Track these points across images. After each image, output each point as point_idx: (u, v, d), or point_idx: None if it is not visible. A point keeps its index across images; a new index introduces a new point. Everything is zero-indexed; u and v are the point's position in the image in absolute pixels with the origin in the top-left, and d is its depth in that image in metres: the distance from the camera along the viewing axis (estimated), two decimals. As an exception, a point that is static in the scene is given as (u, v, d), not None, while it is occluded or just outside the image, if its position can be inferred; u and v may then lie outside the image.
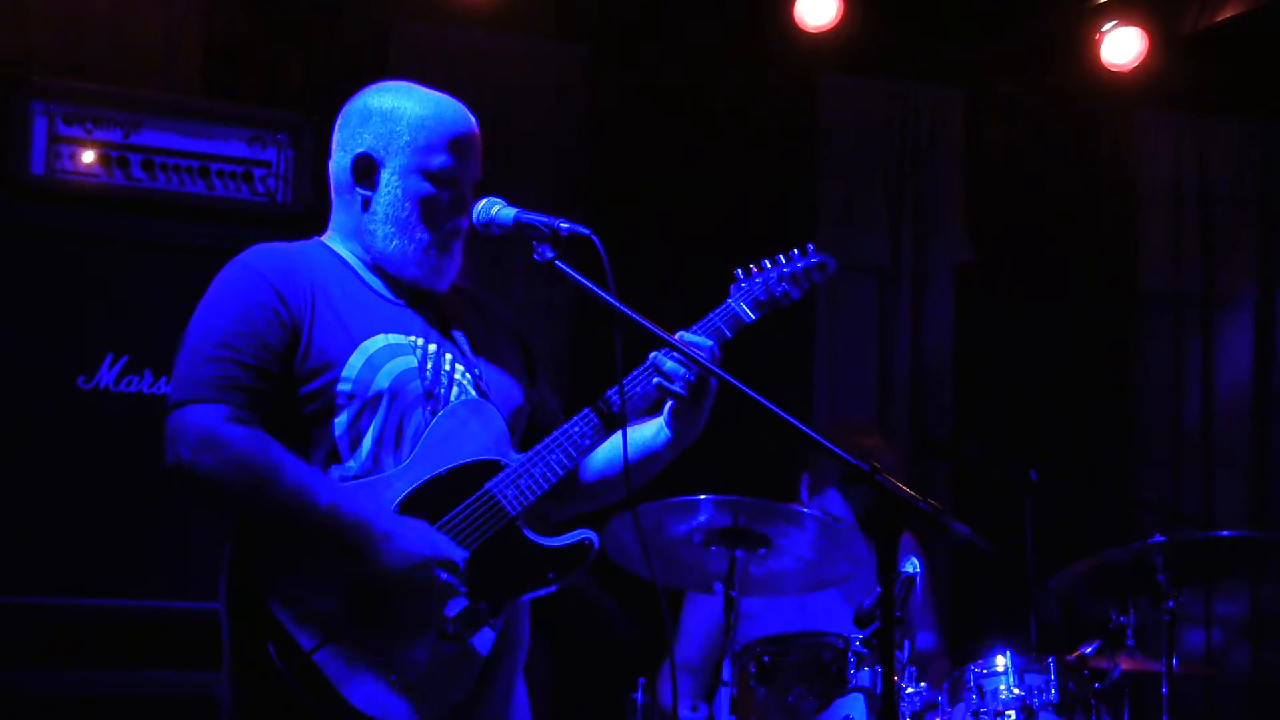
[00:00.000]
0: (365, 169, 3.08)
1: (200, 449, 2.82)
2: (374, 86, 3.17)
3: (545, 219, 3.02)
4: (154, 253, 4.51)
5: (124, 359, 4.46)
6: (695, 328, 3.23)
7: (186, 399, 2.88)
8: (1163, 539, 4.46)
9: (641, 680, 4.37)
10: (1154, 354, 6.88)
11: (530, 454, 3.06)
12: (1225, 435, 6.89)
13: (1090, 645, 4.48)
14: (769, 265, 3.42)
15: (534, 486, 3.03)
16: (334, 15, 5.82)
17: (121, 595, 4.38)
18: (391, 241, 3.07)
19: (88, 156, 4.56)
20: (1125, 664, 4.50)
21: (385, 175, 3.07)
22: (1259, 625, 6.72)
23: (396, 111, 3.08)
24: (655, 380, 3.13)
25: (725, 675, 4.10)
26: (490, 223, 3.07)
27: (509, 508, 3.00)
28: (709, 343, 3.17)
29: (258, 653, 2.84)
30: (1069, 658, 4.42)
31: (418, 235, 3.06)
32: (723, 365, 3.06)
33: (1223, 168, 6.93)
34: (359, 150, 3.08)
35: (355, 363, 2.96)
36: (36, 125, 4.50)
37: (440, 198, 3.07)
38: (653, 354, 3.14)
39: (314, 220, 3.30)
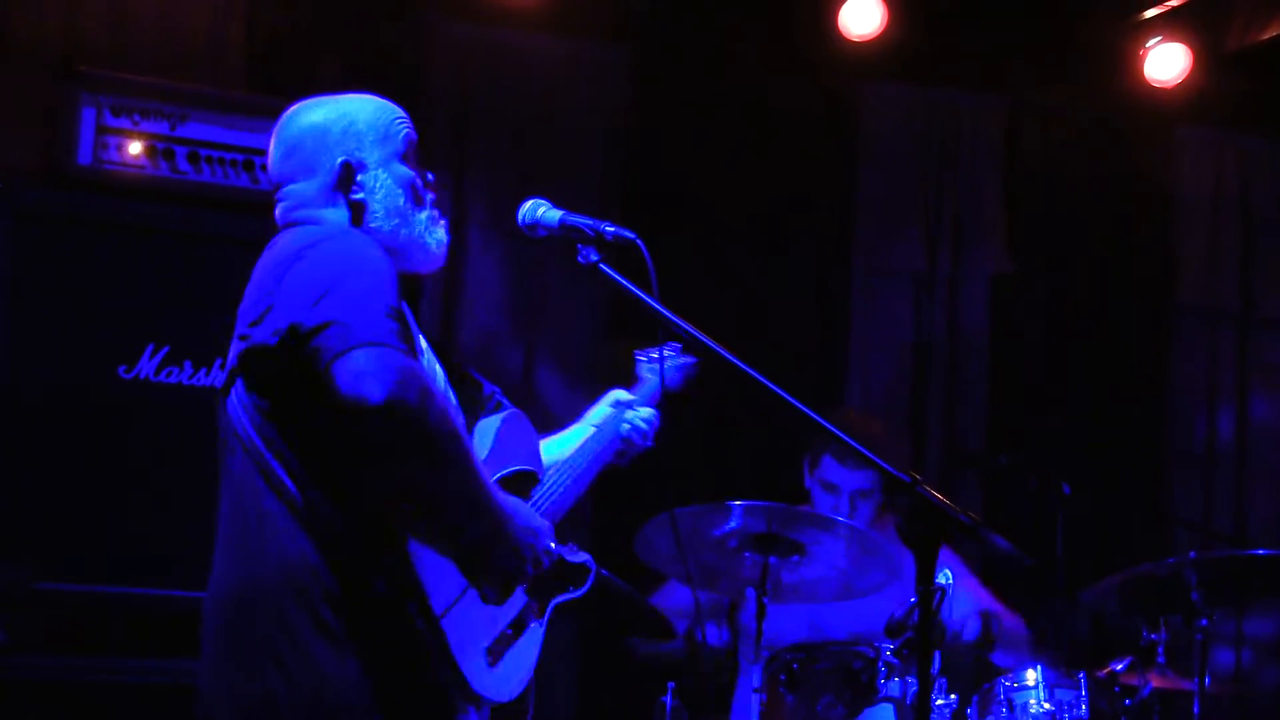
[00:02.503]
0: (349, 178, 3.04)
1: (420, 394, 2.63)
2: (302, 108, 3.12)
3: (591, 222, 3.03)
4: (197, 244, 4.53)
5: (165, 350, 4.48)
6: (636, 390, 3.72)
7: (384, 342, 2.65)
8: (1196, 556, 4.45)
9: (671, 684, 4.39)
10: (1190, 369, 6.84)
11: (558, 468, 3.25)
12: (1259, 452, 6.85)
13: (1121, 661, 4.47)
14: (663, 346, 3.75)
15: (564, 500, 3.19)
16: (376, 13, 5.84)
17: (157, 585, 4.38)
18: (400, 232, 3.04)
19: (134, 148, 4.59)
20: (1156, 681, 4.48)
21: (370, 175, 3.05)
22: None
23: (347, 116, 3.08)
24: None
25: (755, 682, 4.11)
26: (536, 224, 3.09)
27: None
28: (647, 412, 3.63)
29: (389, 604, 2.78)
30: (1100, 674, 4.41)
31: (416, 216, 3.07)
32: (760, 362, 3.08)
33: (1264, 184, 6.90)
34: (339, 160, 3.04)
35: (422, 358, 2.99)
36: (84, 116, 4.53)
37: (416, 176, 3.09)
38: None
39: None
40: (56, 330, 4.41)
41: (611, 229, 3.02)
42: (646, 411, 3.62)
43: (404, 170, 3.08)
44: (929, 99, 6.59)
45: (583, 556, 3.29)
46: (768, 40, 6.21)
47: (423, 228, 3.08)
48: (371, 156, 3.05)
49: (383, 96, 3.18)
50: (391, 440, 2.65)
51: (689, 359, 3.88)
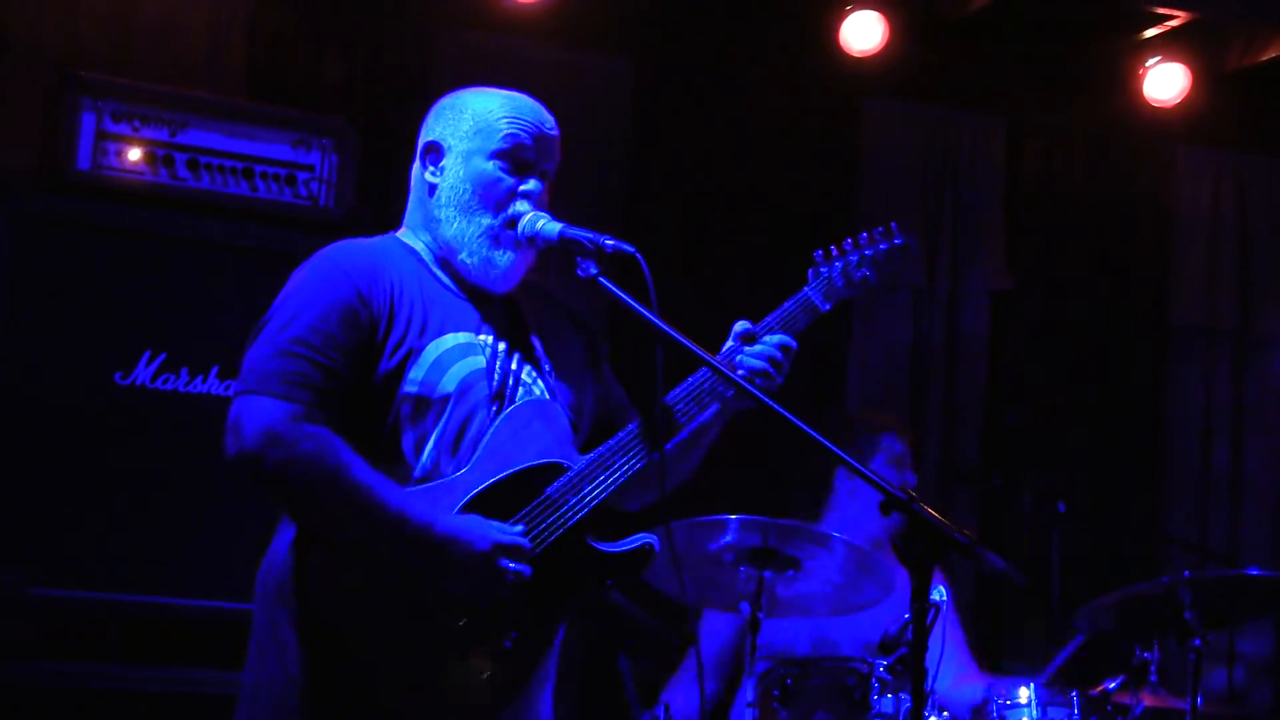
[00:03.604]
0: (432, 155, 3.09)
1: (267, 444, 2.74)
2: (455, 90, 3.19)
3: (590, 235, 2.99)
4: (195, 252, 4.52)
5: (161, 357, 4.47)
6: (771, 317, 3.23)
7: (255, 390, 2.80)
8: (1190, 576, 4.45)
9: (665, 696, 4.38)
10: (1187, 388, 6.85)
11: (593, 456, 3.01)
12: (1255, 473, 6.86)
13: (1114, 680, 4.46)
14: (850, 246, 3.40)
15: (597, 492, 2.98)
16: (379, 19, 5.85)
17: (152, 592, 4.38)
18: (453, 224, 3.04)
19: (134, 154, 4.59)
20: (1148, 700, 4.48)
21: (450, 160, 3.06)
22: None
23: (464, 101, 3.11)
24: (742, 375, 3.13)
25: (749, 697, 4.10)
26: (535, 236, 3.04)
27: (570, 514, 2.95)
28: (778, 338, 3.20)
29: (317, 653, 2.80)
30: (1092, 692, 4.40)
31: (477, 218, 3.03)
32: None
33: (1262, 204, 6.92)
34: (428, 139, 3.10)
35: (424, 363, 2.92)
36: (84, 122, 4.52)
37: (501, 180, 3.04)
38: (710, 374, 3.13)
39: (356, 225, 3.30)
40: (54, 336, 4.41)
41: (611, 242, 2.97)
42: (774, 339, 3.18)
43: (486, 168, 3.03)
44: (929, 116, 6.60)
45: (636, 541, 3.01)
46: (768, 54, 6.22)
47: (478, 233, 3.02)
48: (459, 145, 3.06)
49: (537, 100, 3.14)
50: (255, 485, 2.80)
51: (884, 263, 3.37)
